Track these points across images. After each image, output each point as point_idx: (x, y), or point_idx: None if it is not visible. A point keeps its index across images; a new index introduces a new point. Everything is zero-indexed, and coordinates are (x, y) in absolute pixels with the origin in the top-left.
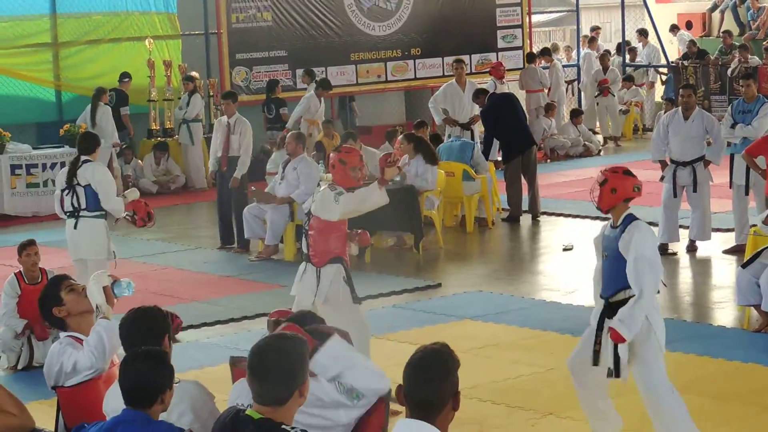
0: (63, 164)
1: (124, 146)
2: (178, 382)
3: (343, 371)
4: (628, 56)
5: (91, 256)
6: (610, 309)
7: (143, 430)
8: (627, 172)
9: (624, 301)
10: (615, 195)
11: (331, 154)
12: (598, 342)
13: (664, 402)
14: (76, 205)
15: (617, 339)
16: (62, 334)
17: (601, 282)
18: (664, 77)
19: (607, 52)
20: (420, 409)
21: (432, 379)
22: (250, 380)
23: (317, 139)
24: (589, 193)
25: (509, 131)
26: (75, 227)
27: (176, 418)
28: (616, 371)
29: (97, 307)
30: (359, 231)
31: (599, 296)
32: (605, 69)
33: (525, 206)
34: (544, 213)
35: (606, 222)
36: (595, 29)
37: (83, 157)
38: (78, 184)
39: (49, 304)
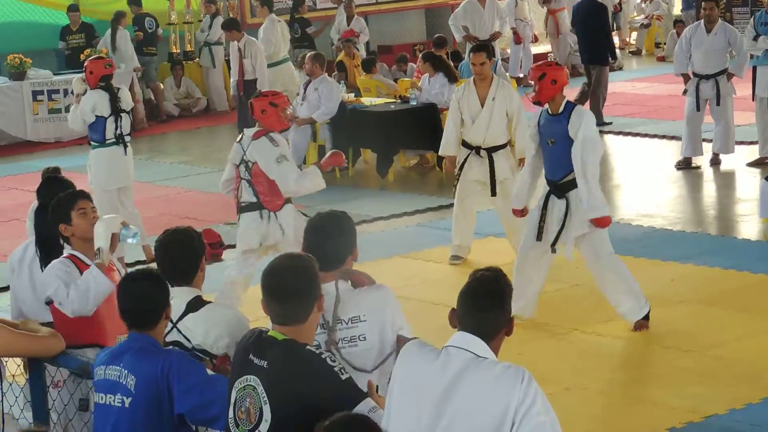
0: (85, 90)
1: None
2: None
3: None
4: None
5: (133, 179)
6: (558, 189)
7: (153, 359)
8: (558, 64)
9: (573, 181)
10: (555, 86)
11: (255, 102)
12: (542, 219)
13: (612, 266)
14: (120, 131)
15: (604, 224)
16: (65, 251)
17: (535, 168)
18: None
19: None
20: (474, 334)
21: (489, 309)
22: (270, 302)
23: (338, 59)
24: (525, 95)
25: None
26: (125, 153)
27: (213, 341)
28: (553, 246)
29: (98, 250)
30: (331, 152)
31: (545, 179)
32: None
33: None
34: None
35: (536, 114)
36: None
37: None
38: (122, 110)
39: (57, 219)
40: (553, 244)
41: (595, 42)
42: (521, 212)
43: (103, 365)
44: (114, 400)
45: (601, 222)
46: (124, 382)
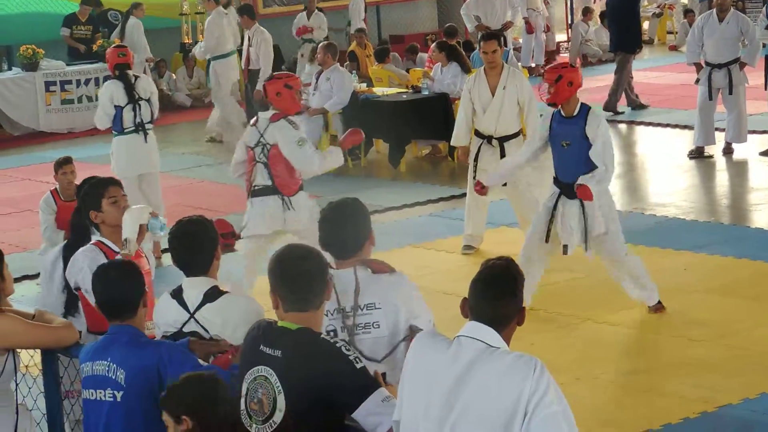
0: (97, 80)
1: (158, 60)
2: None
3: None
4: None
5: (158, 167)
6: (572, 190)
7: (143, 351)
8: (572, 65)
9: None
10: (571, 87)
11: (269, 85)
12: (550, 220)
13: (628, 262)
14: (139, 119)
15: (587, 196)
16: (93, 238)
17: (528, 161)
18: None
19: None
20: (486, 324)
21: (500, 297)
22: (281, 288)
23: (350, 49)
24: (539, 94)
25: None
26: (146, 141)
27: (231, 331)
28: (577, 246)
29: (125, 241)
30: (350, 131)
31: (557, 180)
32: None
33: None
34: None
35: (546, 116)
36: None
37: (131, 72)
38: (140, 98)
39: (88, 206)
40: (546, 240)
41: (625, 30)
42: (483, 189)
43: (89, 361)
44: (105, 395)
45: (584, 193)
46: (114, 377)
